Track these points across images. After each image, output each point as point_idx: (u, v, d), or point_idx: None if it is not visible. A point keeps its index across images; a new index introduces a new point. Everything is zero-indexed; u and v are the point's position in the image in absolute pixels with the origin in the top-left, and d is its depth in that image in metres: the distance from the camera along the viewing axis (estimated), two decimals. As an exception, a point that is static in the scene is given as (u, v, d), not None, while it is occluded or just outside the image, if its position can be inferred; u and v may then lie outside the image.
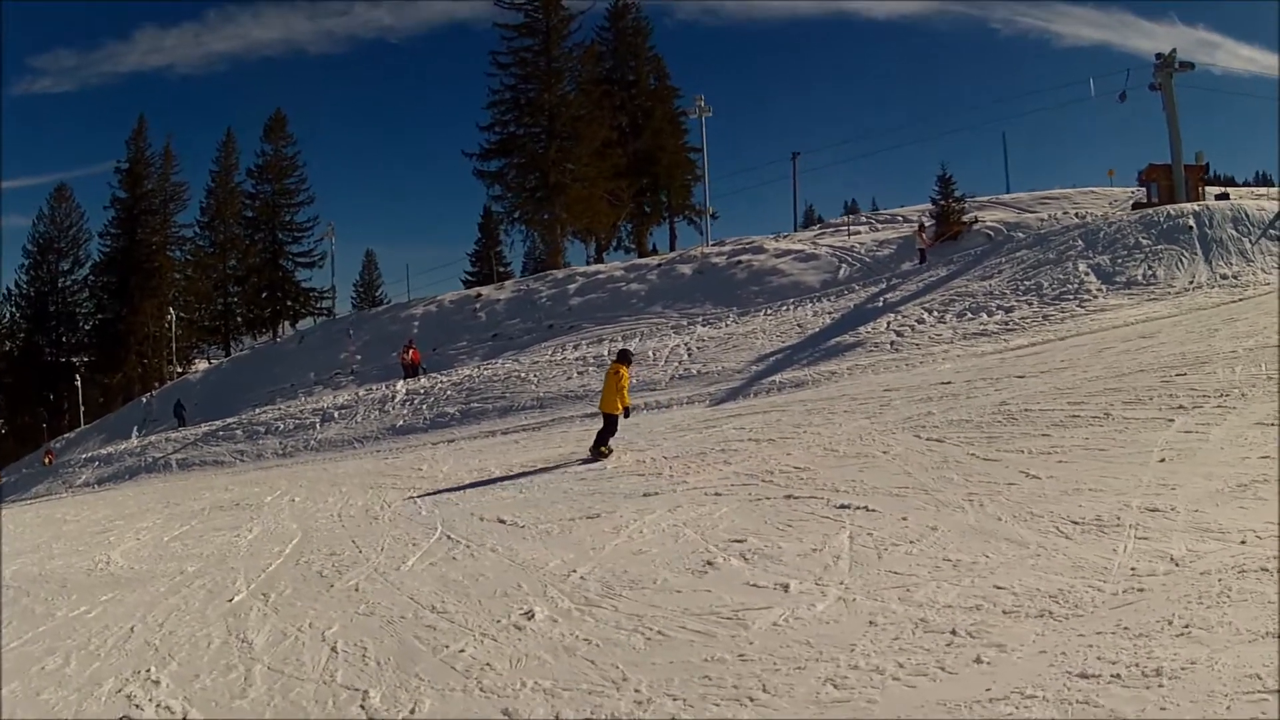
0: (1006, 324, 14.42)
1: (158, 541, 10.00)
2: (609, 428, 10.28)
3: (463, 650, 4.76)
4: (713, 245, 28.62)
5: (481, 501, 9.06)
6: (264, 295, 47.29)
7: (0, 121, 57.29)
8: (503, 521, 7.77)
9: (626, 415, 10.48)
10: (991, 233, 22.06)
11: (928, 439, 7.84)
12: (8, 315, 48.37)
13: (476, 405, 18.22)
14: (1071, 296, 14.81)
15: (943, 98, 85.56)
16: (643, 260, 29.93)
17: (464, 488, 10.18)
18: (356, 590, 6.36)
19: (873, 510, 5.97)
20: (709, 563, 5.51)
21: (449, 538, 7.50)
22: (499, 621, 5.11)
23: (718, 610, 4.66)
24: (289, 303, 47.43)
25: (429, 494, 10.15)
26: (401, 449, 16.75)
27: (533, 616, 5.07)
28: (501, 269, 43.82)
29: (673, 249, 38.63)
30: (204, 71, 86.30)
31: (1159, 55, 20.31)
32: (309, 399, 24.83)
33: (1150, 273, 14.96)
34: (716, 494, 7.36)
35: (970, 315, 15.13)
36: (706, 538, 6.06)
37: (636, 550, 6.11)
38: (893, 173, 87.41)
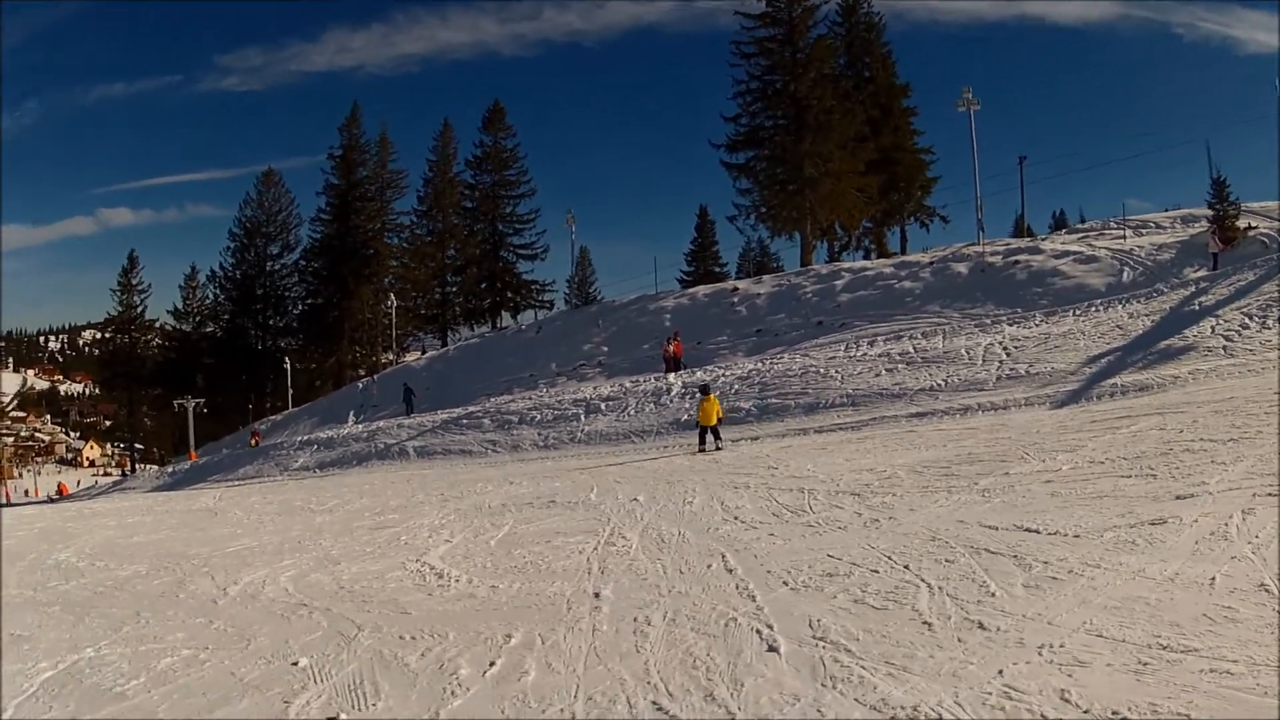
0: (1338, 329, 13.62)
1: (484, 547, 8.08)
2: (714, 433, 14.74)
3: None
4: (974, 247, 26.48)
5: (946, 507, 7.46)
6: (483, 286, 47.84)
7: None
8: (1033, 531, 6.21)
9: (720, 424, 14.96)
10: (1266, 240, 21.43)
11: None
12: (211, 297, 50.64)
13: (774, 401, 17.11)
14: (1398, 301, 14.17)
15: (1133, 105, 78.70)
16: (913, 258, 27.97)
17: (876, 491, 8.62)
18: (1034, 647, 4.11)
19: None
20: None
21: (987, 551, 5.84)
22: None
23: None
24: (509, 294, 47.66)
25: (840, 494, 8.68)
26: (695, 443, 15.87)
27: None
28: (718, 269, 42.97)
29: (903, 251, 36.51)
30: (393, 72, 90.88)
31: None
32: (553, 390, 24.74)
33: None
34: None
35: (1296, 320, 14.30)
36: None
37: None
38: (1084, 182, 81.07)
